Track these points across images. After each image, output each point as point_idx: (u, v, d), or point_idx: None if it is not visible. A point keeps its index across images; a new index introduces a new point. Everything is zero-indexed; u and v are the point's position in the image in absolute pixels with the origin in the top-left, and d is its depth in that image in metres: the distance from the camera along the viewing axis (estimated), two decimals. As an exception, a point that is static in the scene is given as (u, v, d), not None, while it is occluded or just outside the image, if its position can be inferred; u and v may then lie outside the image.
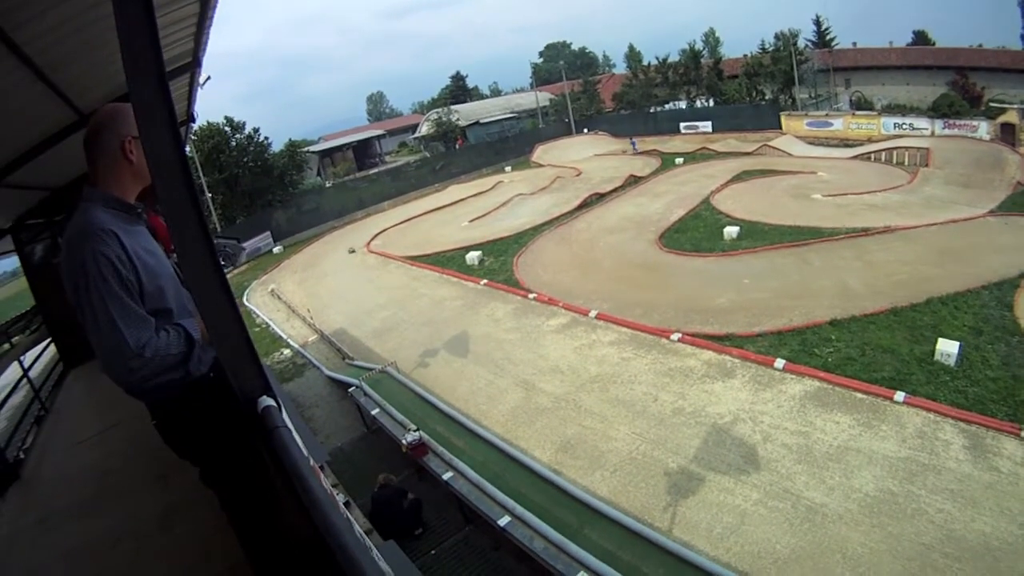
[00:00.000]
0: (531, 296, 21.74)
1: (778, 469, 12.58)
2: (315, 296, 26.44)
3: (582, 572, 9.24)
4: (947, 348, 15.19)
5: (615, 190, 36.08)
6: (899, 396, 14.07)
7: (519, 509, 10.73)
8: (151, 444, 2.83)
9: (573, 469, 13.36)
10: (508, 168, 49.04)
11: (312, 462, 2.51)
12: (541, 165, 48.16)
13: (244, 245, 38.30)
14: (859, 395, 14.41)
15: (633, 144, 49.25)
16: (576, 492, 11.54)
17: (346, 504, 9.32)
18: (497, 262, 26.01)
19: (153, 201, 2.80)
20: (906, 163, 37.08)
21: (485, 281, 23.82)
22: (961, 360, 15.09)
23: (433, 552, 11.77)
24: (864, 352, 15.97)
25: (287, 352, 21.82)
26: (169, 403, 2.61)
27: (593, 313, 19.78)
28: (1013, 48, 48.38)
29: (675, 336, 17.69)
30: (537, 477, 12.00)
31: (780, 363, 15.75)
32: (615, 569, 9.24)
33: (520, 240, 28.63)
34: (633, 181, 37.82)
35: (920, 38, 57.61)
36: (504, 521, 10.53)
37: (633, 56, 75.26)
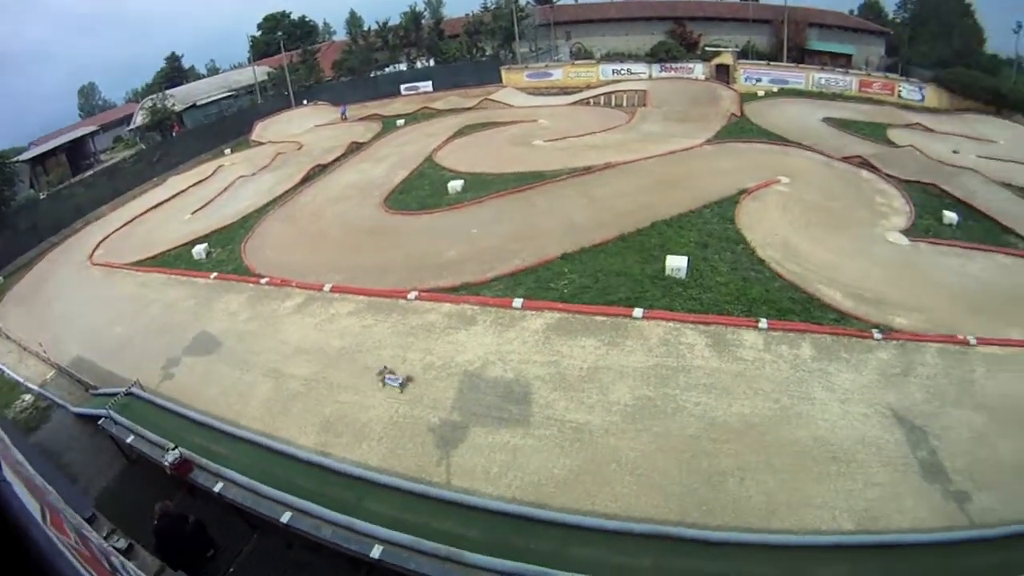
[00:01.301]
0: (263, 281, 24.98)
1: (537, 400, 16.21)
2: (45, 326, 27.04)
3: (376, 546, 11.31)
4: (676, 263, 20.79)
5: (337, 159, 42.09)
6: (638, 312, 18.96)
7: (298, 501, 12.50)
8: None
9: (339, 447, 15.65)
10: (228, 151, 53.22)
11: (48, 514, 2.99)
12: (261, 143, 52.92)
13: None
14: (600, 318, 19.01)
15: (343, 112, 56.54)
16: (348, 469, 13.66)
17: (128, 548, 10.37)
18: (225, 252, 29.05)
19: None
20: (624, 105, 47.55)
21: (215, 274, 26.69)
22: (691, 272, 20.67)
23: (232, 570, 13.29)
24: (598, 279, 20.90)
25: (28, 398, 22.34)
26: None
27: (328, 287, 23.19)
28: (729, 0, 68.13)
29: (412, 295, 21.40)
30: (306, 464, 13.96)
31: (518, 302, 20.08)
32: (406, 533, 11.39)
33: (246, 225, 32.15)
34: (355, 148, 44.43)
35: None
36: (286, 517, 12.27)
37: (354, 22, 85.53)
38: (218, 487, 13.42)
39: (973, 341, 18.63)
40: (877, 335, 18.41)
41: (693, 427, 15.15)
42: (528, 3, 62.79)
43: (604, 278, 21.08)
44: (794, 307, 19.40)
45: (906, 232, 25.41)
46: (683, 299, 19.76)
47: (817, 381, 16.67)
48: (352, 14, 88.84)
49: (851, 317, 19.18)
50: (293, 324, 21.69)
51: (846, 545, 11.65)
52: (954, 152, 37.59)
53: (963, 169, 33.78)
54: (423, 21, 65.64)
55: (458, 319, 20.03)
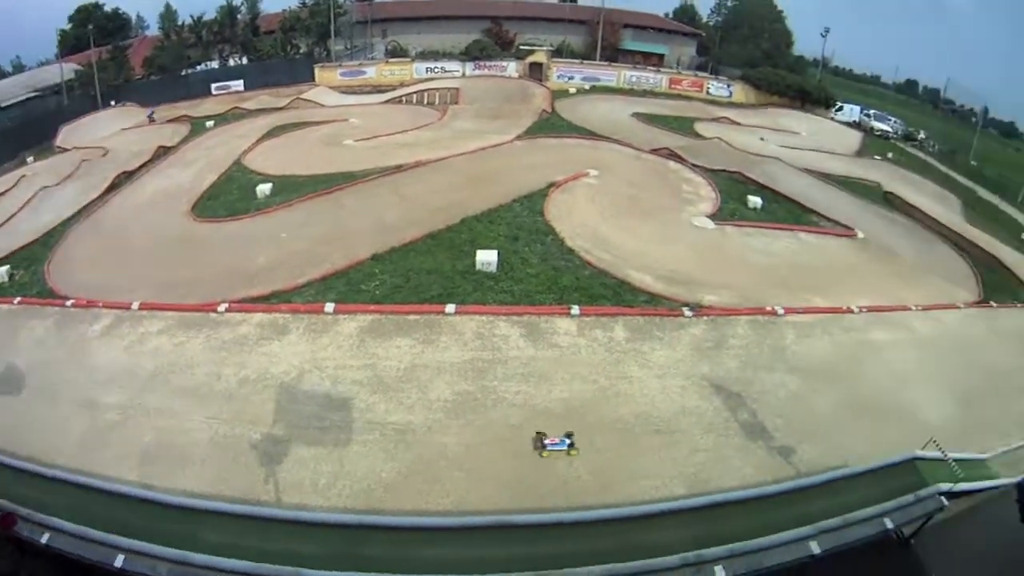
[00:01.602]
0: (69, 303, 23.49)
1: (357, 405, 16.28)
2: None
3: (220, 576, 11.08)
4: (486, 258, 21.50)
5: (144, 165, 40.16)
6: (450, 308, 19.48)
7: (129, 543, 12.09)
8: None
9: (163, 477, 14.95)
10: (31, 159, 49.79)
11: None
12: (66, 149, 49.91)
13: None
14: (413, 317, 19.36)
15: (150, 114, 54.67)
16: (176, 500, 13.22)
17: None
18: (28, 273, 27.21)
19: None
20: (437, 103, 48.66)
21: (19, 299, 24.98)
22: (502, 265, 21.42)
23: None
24: (409, 278, 21.27)
25: None
26: None
27: (136, 304, 22.16)
28: (548, 1, 72.68)
29: (222, 307, 20.85)
30: (133, 500, 13.33)
31: (330, 307, 20.10)
32: (246, 560, 11.36)
33: (49, 241, 30.09)
34: (163, 152, 42.62)
35: None
36: (120, 561, 11.90)
37: (168, 16, 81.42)
38: (45, 537, 12.84)
39: (781, 311, 20.87)
40: (688, 312, 20.05)
41: (515, 416, 15.85)
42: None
43: (416, 276, 21.49)
44: (605, 292, 20.68)
45: (712, 216, 27.75)
46: (495, 292, 20.54)
47: (633, 360, 17.85)
48: (167, 7, 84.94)
49: (662, 298, 20.73)
50: (102, 348, 20.68)
51: (678, 510, 12.62)
52: (761, 139, 41.74)
53: (767, 158, 37.31)
54: (239, 16, 63.80)
55: (271, 329, 19.78)
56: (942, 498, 13.13)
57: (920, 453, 14.32)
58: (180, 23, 67.28)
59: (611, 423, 15.69)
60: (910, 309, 23.25)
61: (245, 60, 62.18)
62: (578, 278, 21.39)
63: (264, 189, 30.00)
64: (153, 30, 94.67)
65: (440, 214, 25.39)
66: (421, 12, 65.78)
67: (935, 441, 14.42)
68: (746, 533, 11.86)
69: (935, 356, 20.89)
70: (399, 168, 31.13)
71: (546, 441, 15.09)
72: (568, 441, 15.09)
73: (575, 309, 19.59)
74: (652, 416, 15.94)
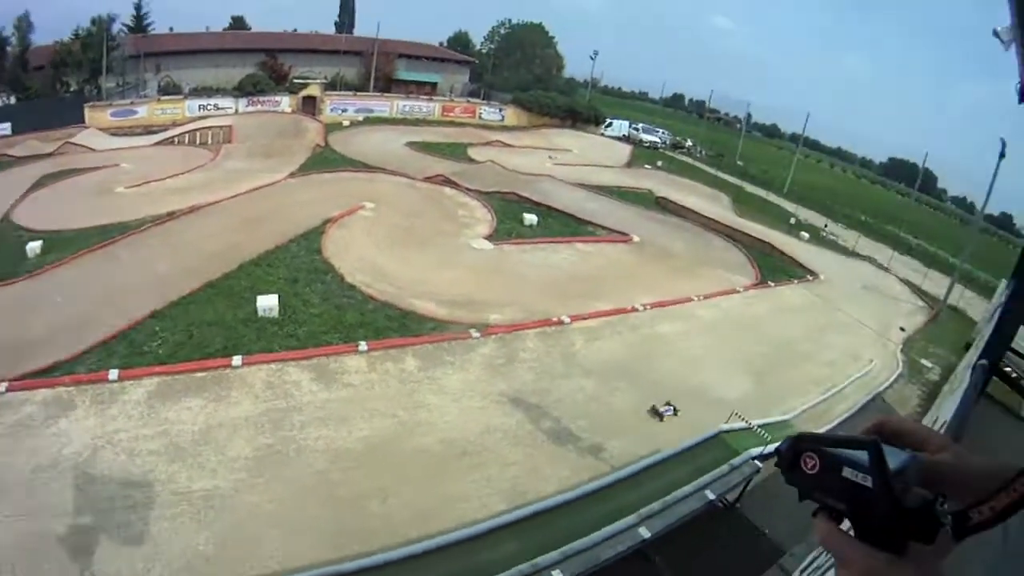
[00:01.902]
0: None
1: (158, 477, 15.15)
2: None
3: None
4: (266, 303, 20.94)
5: None
6: (236, 360, 18.71)
7: None
8: None
9: None
10: None
11: None
12: None
13: None
14: (200, 374, 18.39)
15: None
16: None
17: None
18: None
19: None
20: (210, 142, 47.26)
21: None
22: (284, 309, 20.98)
23: None
24: (192, 334, 20.27)
25: None
26: None
27: None
28: (324, 32, 73.65)
29: (2, 387, 18.52)
30: None
31: (114, 373, 18.59)
32: None
33: None
34: None
35: (237, 23, 76.49)
36: None
37: None
38: None
39: (567, 320, 21.86)
40: (475, 334, 20.41)
41: (320, 462, 15.45)
42: (120, 31, 58.34)
43: (198, 330, 20.51)
44: (391, 324, 20.75)
45: (489, 238, 28.65)
46: (280, 338, 19.99)
47: (428, 388, 17.98)
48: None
49: (448, 323, 21.05)
50: None
51: (503, 524, 12.99)
52: (550, 158, 44.73)
53: (540, 176, 39.12)
54: (8, 48, 56.80)
55: (56, 406, 17.85)
56: (756, 462, 14.95)
57: (724, 427, 15.72)
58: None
59: (417, 453, 15.70)
60: (692, 300, 25.38)
61: (13, 99, 55.26)
62: (362, 313, 21.30)
63: (35, 247, 27.37)
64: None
65: (216, 261, 24.45)
66: (196, 45, 62.95)
67: (737, 413, 15.93)
68: (579, 533, 12.34)
69: (722, 338, 23.15)
70: (172, 215, 29.71)
71: (660, 410, 18.03)
72: (672, 408, 18.16)
73: (363, 345, 19.43)
74: (457, 440, 16.09)
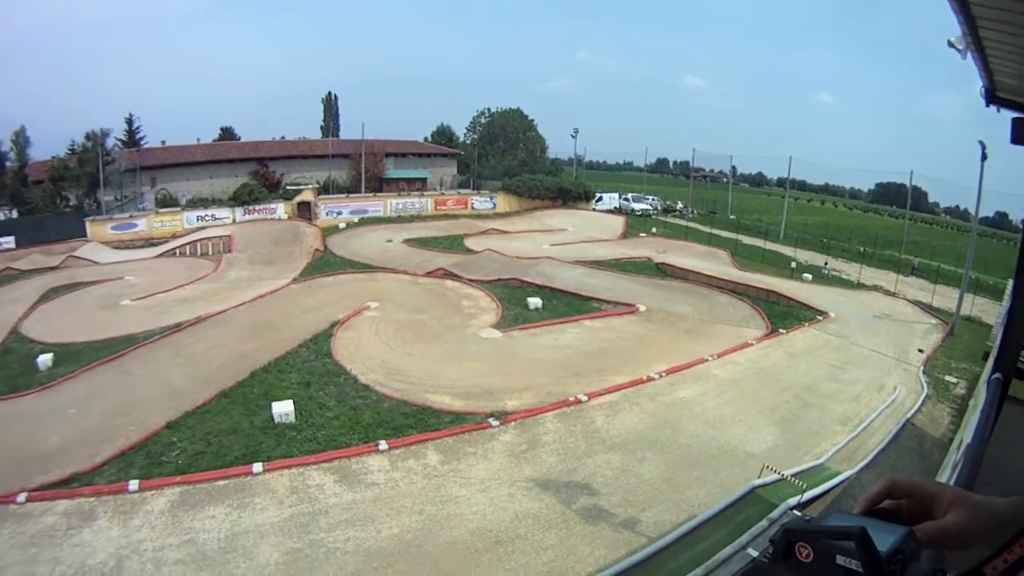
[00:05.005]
0: None
1: None
2: None
3: None
4: (282, 409, 21.04)
5: None
6: (257, 467, 18.73)
7: None
8: None
9: None
10: None
11: None
12: None
13: None
14: (221, 483, 18.37)
15: None
16: None
17: None
18: None
19: None
20: (210, 252, 48.23)
21: None
22: (300, 414, 21.07)
23: None
24: (210, 442, 20.34)
25: None
26: None
27: None
28: (312, 138, 76.70)
29: (21, 498, 18.49)
30: None
31: (134, 484, 18.57)
32: None
33: None
34: None
35: (226, 134, 78.98)
36: None
37: None
38: None
39: (584, 398, 21.82)
40: (494, 422, 20.47)
41: (351, 564, 15.18)
42: (116, 145, 60.63)
43: (216, 439, 20.55)
44: (408, 421, 20.77)
45: (497, 325, 28.99)
46: (299, 442, 20.00)
47: (453, 481, 17.87)
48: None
49: (465, 414, 21.09)
50: None
51: None
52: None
53: (539, 259, 39.61)
54: (7, 164, 59.03)
55: (77, 516, 17.75)
56: (795, 512, 14.59)
57: (757, 481, 15.48)
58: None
59: (449, 547, 15.49)
60: (707, 360, 25.41)
61: (15, 214, 57.64)
62: (379, 412, 21.34)
63: (46, 360, 27.80)
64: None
65: (228, 370, 24.72)
66: (188, 157, 65.21)
67: (768, 466, 15.75)
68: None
69: (742, 393, 23.23)
70: (179, 326, 30.20)
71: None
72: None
73: (383, 444, 19.45)
74: (488, 530, 15.93)
